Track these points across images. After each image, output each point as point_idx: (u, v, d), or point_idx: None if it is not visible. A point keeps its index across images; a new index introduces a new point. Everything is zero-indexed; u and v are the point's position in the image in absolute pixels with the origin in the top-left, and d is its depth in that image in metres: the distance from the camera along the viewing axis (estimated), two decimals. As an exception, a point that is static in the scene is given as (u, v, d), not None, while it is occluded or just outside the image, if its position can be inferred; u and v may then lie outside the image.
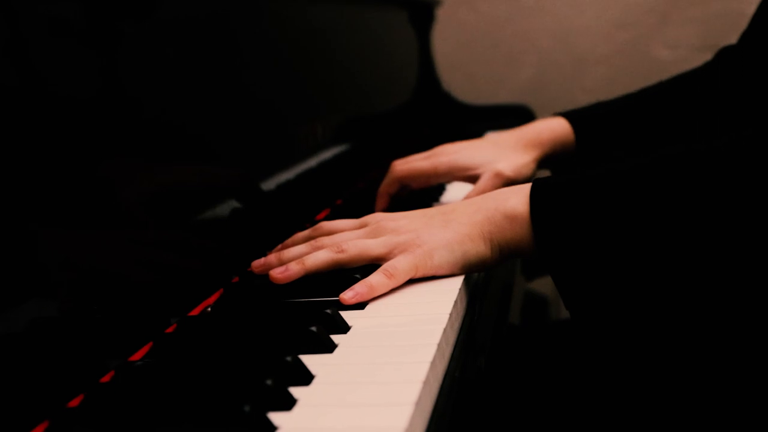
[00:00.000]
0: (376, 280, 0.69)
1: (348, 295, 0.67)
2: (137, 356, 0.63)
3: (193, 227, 0.77)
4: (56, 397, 0.54)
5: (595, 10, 2.13)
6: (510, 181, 0.98)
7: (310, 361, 0.57)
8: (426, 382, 0.54)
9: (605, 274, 0.66)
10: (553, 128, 1.05)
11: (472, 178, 1.00)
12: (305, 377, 0.55)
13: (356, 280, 0.70)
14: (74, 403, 0.55)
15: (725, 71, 1.02)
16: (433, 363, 0.57)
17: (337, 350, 0.60)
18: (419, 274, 0.71)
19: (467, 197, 0.95)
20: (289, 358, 0.55)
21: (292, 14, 1.13)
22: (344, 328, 0.64)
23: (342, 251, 0.72)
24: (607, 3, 2.12)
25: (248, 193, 0.91)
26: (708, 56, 1.16)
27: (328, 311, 0.64)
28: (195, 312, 0.71)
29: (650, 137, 1.08)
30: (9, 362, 0.53)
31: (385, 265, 0.70)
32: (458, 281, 0.72)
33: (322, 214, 1.04)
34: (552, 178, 0.72)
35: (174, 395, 0.54)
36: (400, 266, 0.70)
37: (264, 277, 0.79)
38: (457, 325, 0.67)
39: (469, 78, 2.19)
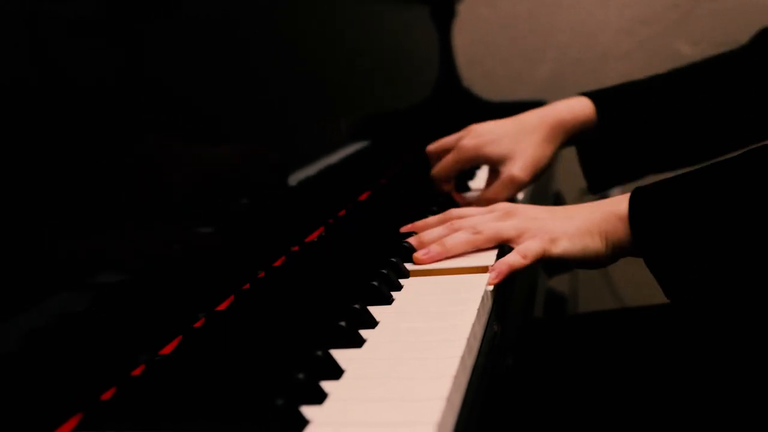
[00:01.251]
0: (513, 259, 0.74)
1: (492, 275, 0.72)
2: (166, 350, 0.63)
3: (220, 223, 0.78)
4: (89, 390, 0.55)
5: (616, 5, 2.12)
6: (526, 183, 0.99)
7: (339, 355, 0.57)
8: (456, 378, 0.54)
9: (698, 267, 0.72)
10: (574, 110, 1.06)
11: (493, 167, 1.02)
12: (335, 372, 0.55)
13: (375, 288, 0.70)
14: (107, 395, 0.55)
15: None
16: (462, 358, 0.57)
17: (365, 345, 0.60)
18: (545, 258, 0.76)
19: (481, 196, 0.99)
20: (319, 353, 0.55)
21: (315, 11, 1.13)
22: (372, 323, 0.64)
23: (478, 233, 0.78)
24: (629, -2, 2.11)
25: (272, 188, 0.91)
26: (731, 51, 1.15)
27: (356, 306, 0.64)
28: (222, 307, 0.72)
29: (681, 117, 1.08)
30: (45, 357, 0.54)
31: (519, 248, 0.75)
32: (484, 277, 0.72)
33: (343, 211, 1.04)
34: (652, 184, 0.78)
35: (204, 388, 0.55)
36: (531, 249, 0.75)
37: (288, 272, 0.79)
38: (484, 321, 0.67)
39: (487, 74, 2.18)
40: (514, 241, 0.78)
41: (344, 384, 0.54)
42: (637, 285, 0.78)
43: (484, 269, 0.74)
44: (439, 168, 1.03)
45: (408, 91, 1.55)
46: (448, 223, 0.82)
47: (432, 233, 0.81)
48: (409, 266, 0.77)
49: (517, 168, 0.98)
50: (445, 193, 1.04)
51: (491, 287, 0.71)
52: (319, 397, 0.52)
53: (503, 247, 0.79)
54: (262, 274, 0.79)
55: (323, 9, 1.17)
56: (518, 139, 1.00)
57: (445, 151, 1.03)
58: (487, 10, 2.19)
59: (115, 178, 0.65)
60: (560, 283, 2.07)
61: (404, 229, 0.86)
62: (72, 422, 0.52)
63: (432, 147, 1.06)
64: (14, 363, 0.52)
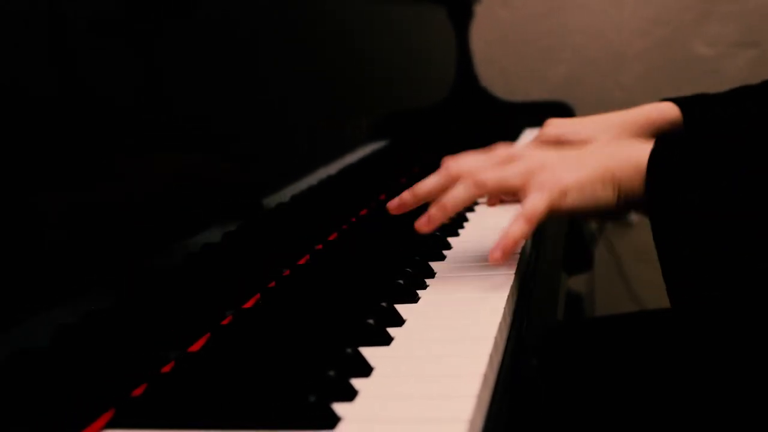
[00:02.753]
0: (516, 227, 0.67)
1: (497, 254, 0.67)
2: (195, 347, 0.64)
3: (246, 222, 0.78)
4: (121, 386, 0.55)
5: (632, 6, 2.12)
6: None
7: (367, 353, 0.57)
8: (485, 376, 0.54)
9: (708, 236, 0.65)
10: (662, 110, 1.03)
11: None
12: (365, 369, 0.55)
13: (400, 286, 0.70)
14: (137, 392, 0.56)
15: None
16: (490, 357, 0.57)
17: (393, 342, 0.61)
18: (552, 212, 0.69)
19: None
20: (349, 350, 0.55)
21: (334, 12, 1.13)
22: (399, 320, 0.64)
23: (480, 185, 0.70)
24: (645, -1, 2.11)
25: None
26: (747, 52, 1.15)
27: (384, 304, 0.64)
28: (248, 305, 0.72)
29: (760, 129, 1.06)
30: (78, 354, 0.54)
31: (522, 212, 0.68)
32: (510, 274, 0.72)
33: (365, 210, 1.05)
34: (676, 140, 0.71)
35: (234, 385, 0.55)
36: (538, 207, 0.68)
37: (312, 270, 0.79)
38: (509, 320, 0.67)
39: (503, 74, 2.19)
40: (520, 190, 0.70)
41: (374, 381, 0.54)
42: (656, 286, 0.76)
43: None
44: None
45: (426, 92, 1.55)
46: (442, 169, 0.73)
47: (427, 183, 0.73)
48: (433, 265, 0.77)
49: None
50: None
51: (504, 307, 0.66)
52: (350, 395, 0.52)
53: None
54: (287, 273, 0.79)
55: (342, 10, 1.17)
56: (601, 132, 0.98)
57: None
58: (504, 11, 2.19)
59: (141, 179, 0.66)
60: (577, 283, 2.08)
61: (394, 211, 0.76)
62: (105, 418, 0.53)
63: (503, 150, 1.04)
64: (49, 360, 0.53)
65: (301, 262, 0.83)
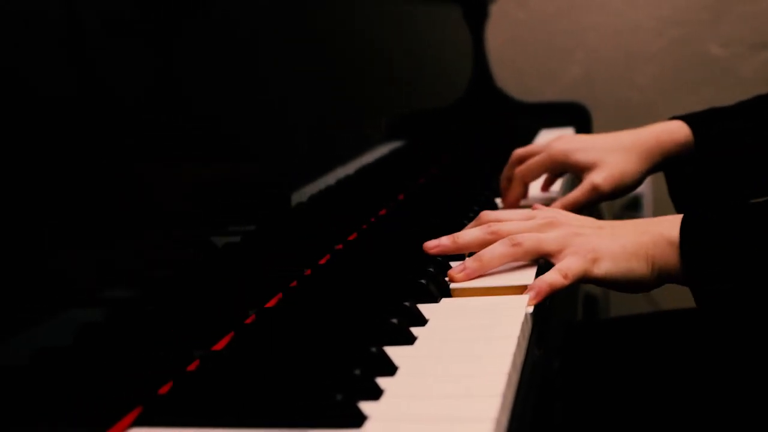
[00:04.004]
0: (552, 278, 0.70)
1: (531, 294, 0.68)
2: (219, 346, 0.64)
3: (267, 223, 0.79)
4: (148, 384, 0.56)
5: (646, 6, 2.11)
6: (606, 195, 0.97)
7: (391, 352, 0.58)
8: (509, 376, 0.54)
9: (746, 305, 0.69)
10: (671, 131, 1.03)
11: (579, 175, 1.00)
12: (390, 368, 0.56)
13: (422, 286, 0.70)
14: (164, 390, 0.56)
15: None
16: (513, 356, 0.57)
17: (417, 342, 0.61)
18: (584, 279, 0.72)
19: (558, 204, 0.96)
20: (374, 349, 0.56)
21: (353, 12, 1.14)
22: (422, 320, 0.65)
23: (517, 245, 0.73)
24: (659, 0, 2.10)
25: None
26: (762, 53, 1.14)
27: (406, 304, 0.64)
28: (271, 304, 0.72)
29: None
30: (106, 354, 0.55)
31: (560, 266, 0.71)
32: (531, 273, 0.72)
33: (384, 211, 1.05)
34: (706, 210, 0.74)
35: (259, 383, 0.55)
36: (573, 268, 0.71)
37: (333, 269, 0.80)
38: (531, 319, 0.67)
39: (517, 74, 2.18)
40: (555, 256, 0.73)
41: (399, 381, 0.55)
42: (670, 287, 0.76)
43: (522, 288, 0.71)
44: (525, 167, 1.00)
45: (441, 92, 1.55)
46: (485, 226, 0.77)
47: (467, 234, 0.77)
48: (454, 265, 0.78)
49: (601, 177, 0.96)
50: (503, 193, 1.03)
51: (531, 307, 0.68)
52: (376, 393, 0.52)
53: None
54: (308, 272, 0.79)
55: (358, 11, 1.17)
56: (609, 152, 0.98)
57: (531, 155, 1.02)
58: (518, 11, 2.19)
59: (166, 180, 0.66)
60: (594, 286, 2.07)
61: (432, 251, 0.78)
62: (132, 415, 0.53)
63: (520, 151, 1.03)
64: (80, 358, 0.53)
65: (322, 261, 0.83)
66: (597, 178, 0.96)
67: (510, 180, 1.02)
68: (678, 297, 1.10)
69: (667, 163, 1.03)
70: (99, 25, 0.62)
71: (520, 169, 1.01)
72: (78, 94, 0.59)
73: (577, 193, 0.96)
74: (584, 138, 1.02)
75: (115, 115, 0.62)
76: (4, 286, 0.52)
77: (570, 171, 1.00)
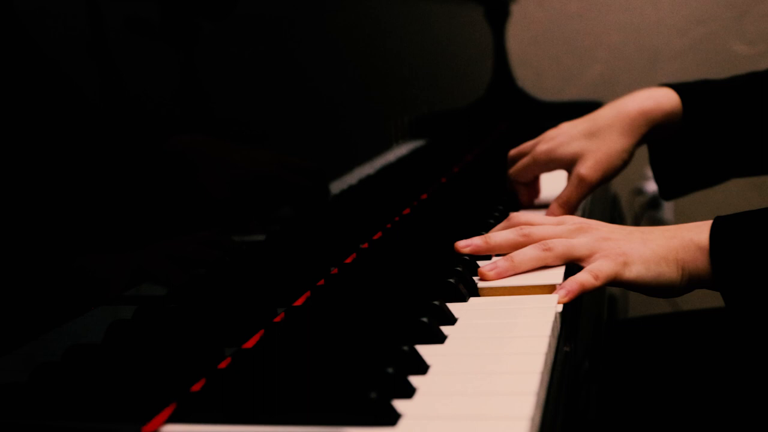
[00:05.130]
0: (584, 278, 0.70)
1: (561, 293, 0.69)
2: (249, 344, 0.64)
3: (294, 223, 0.79)
4: (181, 382, 0.56)
5: (668, 4, 2.10)
6: (597, 182, 0.96)
7: (422, 351, 0.58)
8: (542, 375, 0.54)
9: None
10: (657, 99, 0.98)
11: (568, 169, 0.98)
12: (422, 367, 0.56)
13: (451, 285, 0.70)
14: (196, 387, 0.57)
15: None
16: (545, 356, 0.57)
17: (447, 341, 0.61)
18: (615, 282, 0.72)
19: (555, 203, 0.96)
20: (405, 348, 0.56)
21: (377, 12, 1.14)
22: (452, 319, 0.65)
23: (548, 249, 0.74)
24: (682, -3, 2.09)
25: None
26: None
27: (436, 303, 0.65)
28: (299, 302, 0.73)
29: (761, 120, 1.01)
30: (142, 352, 0.55)
31: (591, 267, 0.71)
32: (560, 272, 0.72)
33: (408, 210, 1.05)
34: (736, 215, 0.74)
35: (291, 381, 0.56)
36: (604, 270, 0.71)
37: (359, 268, 0.80)
38: (560, 318, 0.67)
39: (538, 74, 2.18)
40: (585, 260, 0.73)
41: (431, 379, 0.55)
42: None
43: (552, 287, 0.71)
44: (514, 169, 1.01)
45: (462, 92, 1.55)
46: (517, 228, 0.78)
47: (499, 236, 0.78)
48: (482, 264, 0.78)
49: (585, 167, 0.95)
50: (516, 194, 1.02)
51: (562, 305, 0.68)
52: (409, 392, 0.52)
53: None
54: (335, 271, 0.80)
55: (383, 11, 1.17)
56: (590, 138, 0.96)
57: (523, 154, 1.01)
58: (539, 10, 2.19)
59: (192, 182, 0.67)
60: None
61: (463, 250, 0.79)
62: (167, 412, 0.53)
63: (513, 151, 1.03)
64: (118, 356, 0.54)
65: (348, 260, 0.83)
66: (582, 169, 0.94)
67: (510, 181, 1.03)
68: (697, 298, 1.10)
69: (653, 132, 0.99)
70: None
71: (511, 172, 1.01)
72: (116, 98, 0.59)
73: (568, 190, 0.95)
74: (565, 129, 0.99)
75: (150, 117, 0.63)
76: (46, 285, 0.53)
77: (558, 168, 0.99)
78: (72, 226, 0.59)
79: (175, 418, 0.53)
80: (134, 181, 0.61)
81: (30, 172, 0.56)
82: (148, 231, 0.62)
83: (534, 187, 1.03)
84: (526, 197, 1.02)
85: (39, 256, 0.58)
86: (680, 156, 1.02)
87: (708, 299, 1.20)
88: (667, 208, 2.12)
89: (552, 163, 0.98)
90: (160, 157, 0.64)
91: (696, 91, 1.00)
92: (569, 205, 0.95)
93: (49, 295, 0.59)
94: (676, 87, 1.00)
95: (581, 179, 0.95)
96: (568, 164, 0.97)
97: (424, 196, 1.11)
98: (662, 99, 0.99)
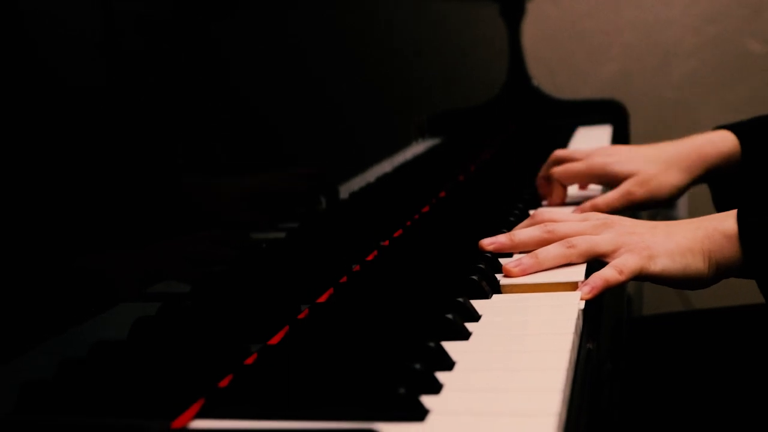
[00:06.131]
0: (608, 273, 0.70)
1: (585, 289, 0.69)
2: (274, 340, 0.65)
3: (317, 220, 0.79)
4: (209, 378, 0.57)
5: (683, 2, 2.10)
6: (640, 201, 0.97)
7: (447, 347, 0.58)
8: (567, 372, 0.55)
9: None
10: (715, 142, 1.02)
11: (616, 186, 1.00)
12: (448, 363, 0.56)
13: (474, 282, 0.70)
14: (224, 383, 0.57)
15: None
16: (570, 353, 0.57)
17: (472, 337, 0.61)
18: (641, 276, 0.72)
19: (591, 203, 0.96)
20: (431, 344, 0.56)
21: (391, 11, 1.14)
22: (476, 316, 0.65)
23: (572, 246, 0.74)
24: (696, -5, 2.09)
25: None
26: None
27: (460, 299, 0.65)
28: (322, 299, 0.73)
29: None
30: (169, 350, 0.56)
31: (615, 262, 0.71)
32: (581, 270, 0.73)
33: (427, 207, 1.05)
34: (760, 201, 0.74)
35: (318, 376, 0.56)
36: (629, 264, 0.71)
37: (381, 265, 0.80)
38: (582, 315, 0.68)
39: (551, 72, 2.18)
40: (609, 256, 0.73)
41: (457, 375, 0.55)
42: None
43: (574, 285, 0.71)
44: (563, 170, 1.01)
45: (477, 90, 1.55)
46: (542, 225, 0.78)
47: (524, 233, 0.78)
48: (504, 261, 0.78)
49: (637, 185, 0.96)
50: (544, 192, 1.03)
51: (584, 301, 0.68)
52: (436, 388, 0.53)
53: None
54: (356, 268, 0.80)
55: (399, 10, 1.18)
56: (648, 163, 0.99)
57: (570, 159, 1.02)
58: (553, 8, 2.19)
59: (214, 183, 0.67)
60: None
61: (488, 247, 0.79)
62: (195, 407, 0.54)
63: (561, 153, 1.04)
64: (148, 353, 0.54)
65: (370, 258, 0.84)
66: (633, 185, 0.96)
67: (547, 179, 1.03)
68: (711, 296, 1.10)
69: (711, 175, 1.02)
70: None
71: (558, 171, 1.01)
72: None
73: (611, 197, 0.97)
74: (625, 149, 1.02)
75: (174, 120, 0.63)
76: (66, 283, 0.53)
77: (608, 182, 1.00)
78: (91, 224, 0.59)
79: (203, 414, 0.54)
80: (161, 180, 0.61)
81: (53, 176, 0.56)
82: (164, 228, 0.63)
83: (566, 188, 1.04)
84: (559, 199, 1.03)
85: (58, 255, 0.58)
86: (741, 193, 1.04)
87: (721, 298, 1.20)
88: (681, 206, 2.12)
89: (605, 176, 1.00)
90: (193, 159, 0.65)
91: (753, 130, 1.03)
92: (605, 211, 0.95)
93: (69, 293, 0.60)
94: (732, 128, 1.04)
95: (629, 193, 0.96)
96: (619, 181, 0.98)
97: (443, 194, 1.11)
98: (720, 142, 1.02)
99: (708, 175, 1.01)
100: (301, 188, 0.90)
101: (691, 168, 1.00)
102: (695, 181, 1.01)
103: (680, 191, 1.00)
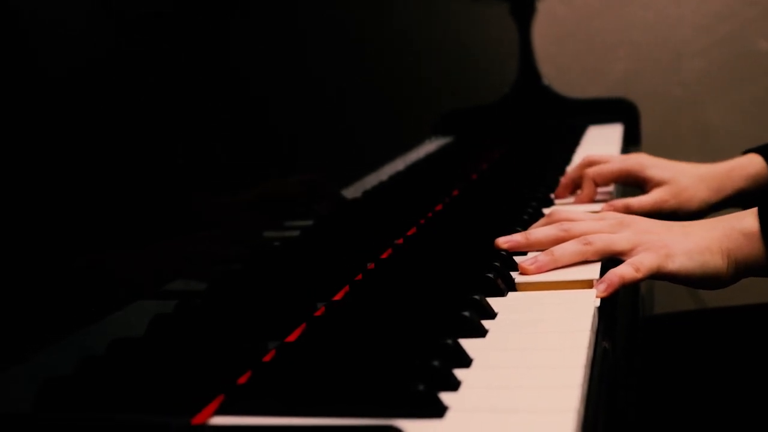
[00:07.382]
0: (625, 271, 0.70)
1: (601, 287, 0.69)
2: (292, 337, 0.65)
3: (332, 218, 0.80)
4: (228, 375, 0.57)
5: (692, 1, 2.10)
6: (669, 211, 0.98)
7: (464, 344, 0.58)
8: (585, 368, 0.55)
9: None
10: (744, 165, 1.04)
11: (648, 190, 1.01)
12: (465, 360, 0.56)
13: (490, 280, 0.71)
14: (243, 379, 0.57)
15: None
16: (588, 350, 0.58)
17: (488, 335, 0.62)
18: (659, 274, 0.72)
19: (620, 203, 0.96)
20: (449, 341, 0.56)
21: (401, 9, 1.14)
22: (492, 314, 0.65)
23: (588, 244, 0.74)
24: (706, -6, 2.09)
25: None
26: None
27: (476, 297, 0.65)
28: (338, 296, 0.73)
29: None
30: (188, 347, 0.56)
31: (632, 260, 0.71)
32: (596, 269, 0.73)
33: (440, 206, 1.06)
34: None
35: (336, 373, 0.56)
36: (646, 263, 0.71)
37: (396, 263, 0.81)
38: (597, 313, 0.68)
39: (561, 71, 2.18)
40: (627, 254, 0.73)
41: (475, 372, 0.55)
42: None
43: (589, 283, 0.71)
44: (597, 170, 1.03)
45: (488, 89, 1.55)
46: (558, 224, 0.78)
47: (540, 232, 0.79)
48: (519, 259, 0.78)
49: (670, 193, 0.98)
50: (583, 194, 1.04)
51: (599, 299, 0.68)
52: (454, 385, 0.53)
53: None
54: (371, 266, 0.80)
55: (410, 8, 1.18)
56: (683, 175, 1.00)
57: (603, 161, 1.04)
58: (563, 8, 2.18)
59: (233, 182, 0.67)
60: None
61: (503, 245, 0.79)
62: (215, 404, 0.54)
63: (594, 156, 1.06)
64: (163, 351, 0.55)
65: (384, 256, 0.84)
66: (666, 192, 0.98)
67: (574, 180, 1.04)
68: (724, 295, 1.10)
69: (742, 198, 1.03)
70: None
71: (592, 170, 1.03)
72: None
73: (645, 199, 0.98)
74: (660, 159, 1.04)
75: (190, 118, 0.63)
76: (83, 281, 0.54)
77: (641, 184, 1.02)
78: (108, 223, 0.59)
79: (223, 410, 0.54)
80: (179, 178, 0.62)
81: (67, 178, 0.57)
82: (175, 227, 0.63)
83: (596, 190, 1.05)
84: (588, 198, 1.03)
85: (75, 254, 0.59)
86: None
87: (735, 296, 1.20)
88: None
89: (641, 179, 1.01)
90: (208, 158, 0.65)
91: None
92: (637, 213, 0.95)
93: (86, 291, 0.60)
94: (760, 150, 1.05)
95: (662, 201, 0.98)
96: (651, 186, 1.00)
97: (456, 193, 1.12)
98: (748, 165, 1.04)
99: (738, 197, 1.03)
100: (301, 195, 0.91)
101: (720, 188, 1.01)
102: (725, 203, 1.03)
103: (708, 207, 1.01)
